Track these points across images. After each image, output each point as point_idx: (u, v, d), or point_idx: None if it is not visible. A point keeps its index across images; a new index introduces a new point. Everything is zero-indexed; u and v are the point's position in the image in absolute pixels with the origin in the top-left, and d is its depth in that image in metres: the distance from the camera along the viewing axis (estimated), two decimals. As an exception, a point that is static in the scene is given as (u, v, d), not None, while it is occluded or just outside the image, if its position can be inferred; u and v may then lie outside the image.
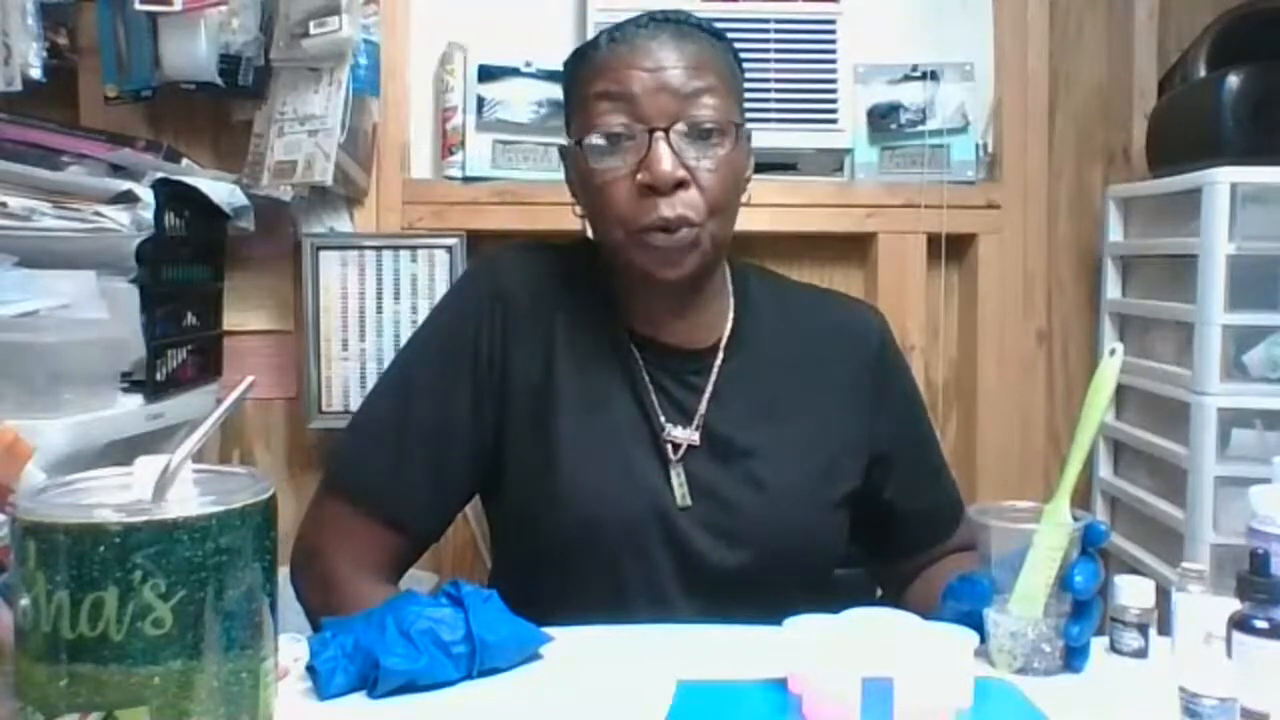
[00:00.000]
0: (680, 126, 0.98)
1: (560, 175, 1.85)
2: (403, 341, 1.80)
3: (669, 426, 1.05)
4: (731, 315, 1.10)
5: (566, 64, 1.07)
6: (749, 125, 1.07)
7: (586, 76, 1.02)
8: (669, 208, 0.97)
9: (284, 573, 0.74)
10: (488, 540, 1.64)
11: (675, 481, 1.04)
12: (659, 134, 0.97)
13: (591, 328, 1.07)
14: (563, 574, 1.04)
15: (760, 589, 1.02)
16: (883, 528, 1.14)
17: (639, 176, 0.98)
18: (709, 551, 1.03)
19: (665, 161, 0.96)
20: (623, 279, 1.06)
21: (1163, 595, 0.90)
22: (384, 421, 1.06)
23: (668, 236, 0.98)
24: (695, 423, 1.06)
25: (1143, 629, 0.89)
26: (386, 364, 1.76)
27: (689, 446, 1.05)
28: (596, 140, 0.99)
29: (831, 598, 0.97)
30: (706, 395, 1.07)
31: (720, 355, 1.08)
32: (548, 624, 0.92)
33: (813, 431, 1.08)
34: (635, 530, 1.02)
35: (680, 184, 0.97)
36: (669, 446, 1.05)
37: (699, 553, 1.03)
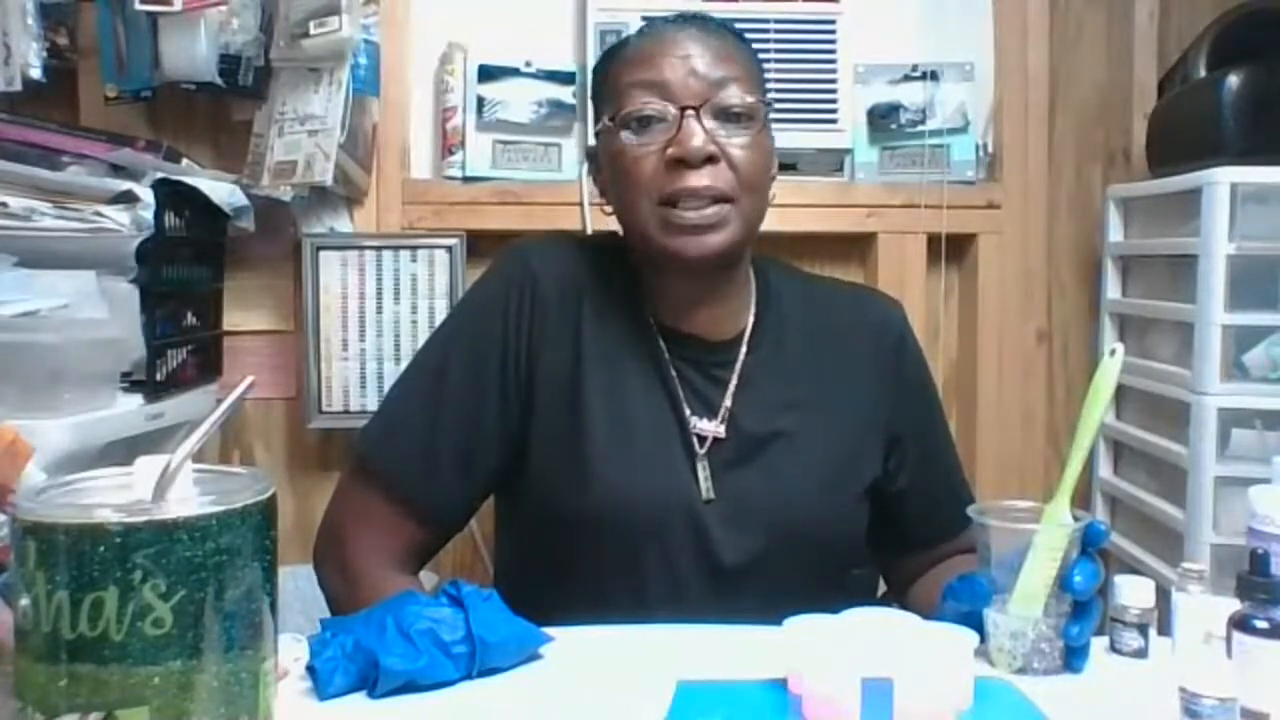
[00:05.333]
0: (710, 107, 1.01)
1: (560, 175, 1.86)
2: (403, 341, 1.83)
3: (694, 420, 1.06)
4: (754, 308, 1.12)
5: (597, 64, 1.11)
6: (774, 128, 1.10)
7: (619, 69, 1.06)
8: (697, 179, 1.00)
9: (285, 571, 0.74)
10: (488, 541, 1.64)
11: (700, 475, 1.05)
12: (690, 112, 1.01)
13: (618, 320, 1.08)
14: (582, 565, 1.05)
15: (781, 583, 1.03)
16: (894, 520, 1.14)
17: (669, 151, 1.01)
18: (732, 545, 1.04)
19: (696, 137, 1.00)
20: (650, 268, 1.08)
21: (1163, 595, 0.90)
22: (415, 411, 1.07)
23: (697, 210, 1.00)
24: (720, 416, 1.07)
25: (1143, 629, 0.89)
26: (387, 364, 1.79)
27: (714, 440, 1.06)
28: (628, 120, 1.03)
29: (841, 596, 0.98)
30: (731, 388, 1.08)
31: (744, 347, 1.10)
32: (560, 617, 0.93)
33: (835, 424, 1.10)
34: (660, 524, 1.03)
35: (710, 159, 1.00)
36: (695, 440, 1.06)
37: (721, 546, 1.03)
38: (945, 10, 1.97)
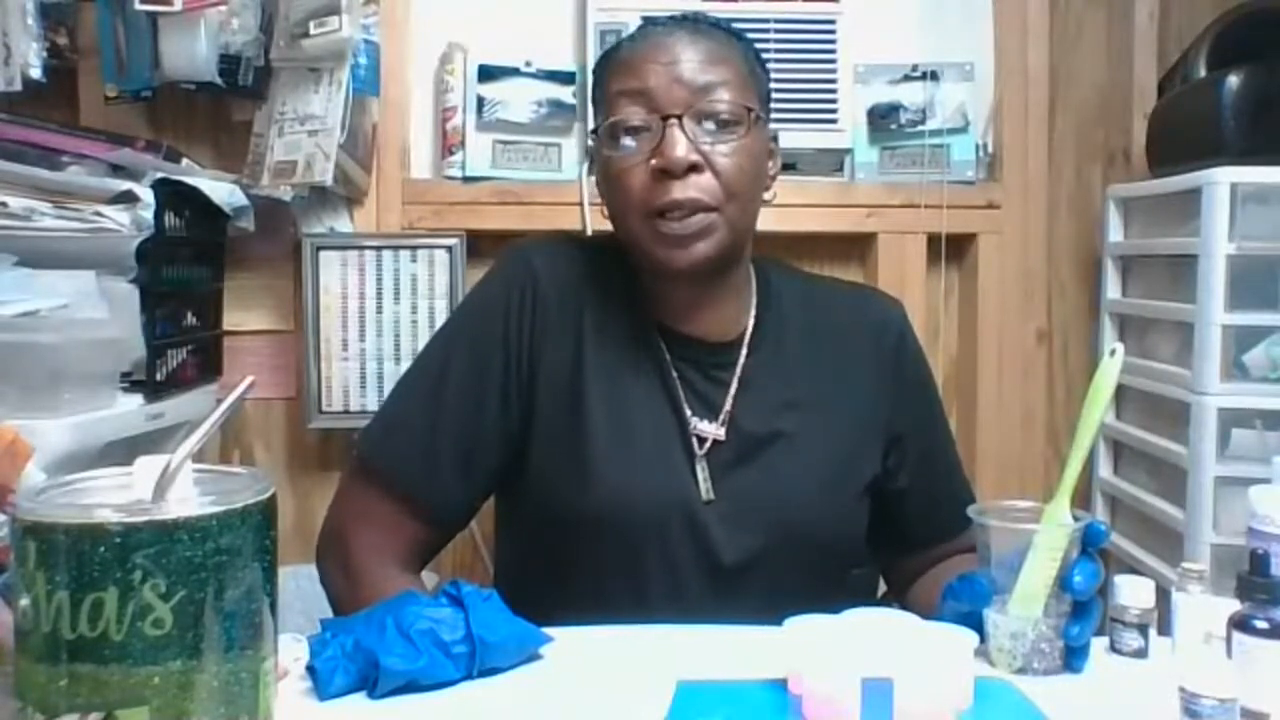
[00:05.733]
0: (694, 114, 1.00)
1: (560, 175, 1.87)
2: (403, 341, 1.83)
3: (695, 421, 1.06)
4: (754, 309, 1.12)
5: (595, 65, 1.11)
6: (775, 126, 1.10)
7: (609, 75, 1.06)
8: (681, 190, 1.00)
9: (285, 571, 0.74)
10: (488, 541, 1.64)
11: (700, 475, 1.05)
12: (672, 121, 1.00)
13: (619, 320, 1.09)
14: (582, 565, 1.05)
15: (781, 582, 1.04)
16: (894, 520, 1.14)
17: (653, 162, 1.00)
18: (732, 545, 1.04)
19: (678, 146, 0.99)
20: (648, 274, 1.08)
21: (1163, 595, 0.90)
22: (416, 411, 1.08)
23: (681, 221, 1.00)
24: (722, 417, 1.07)
25: (1143, 629, 0.89)
26: (386, 364, 1.79)
27: (714, 441, 1.06)
28: (615, 131, 1.03)
29: (842, 596, 0.98)
30: (732, 389, 1.08)
31: (745, 348, 1.10)
32: (560, 617, 0.93)
33: (836, 424, 1.10)
34: (660, 524, 1.03)
35: (693, 168, 1.00)
36: (695, 441, 1.06)
37: (721, 546, 1.04)
38: (945, 10, 1.97)
